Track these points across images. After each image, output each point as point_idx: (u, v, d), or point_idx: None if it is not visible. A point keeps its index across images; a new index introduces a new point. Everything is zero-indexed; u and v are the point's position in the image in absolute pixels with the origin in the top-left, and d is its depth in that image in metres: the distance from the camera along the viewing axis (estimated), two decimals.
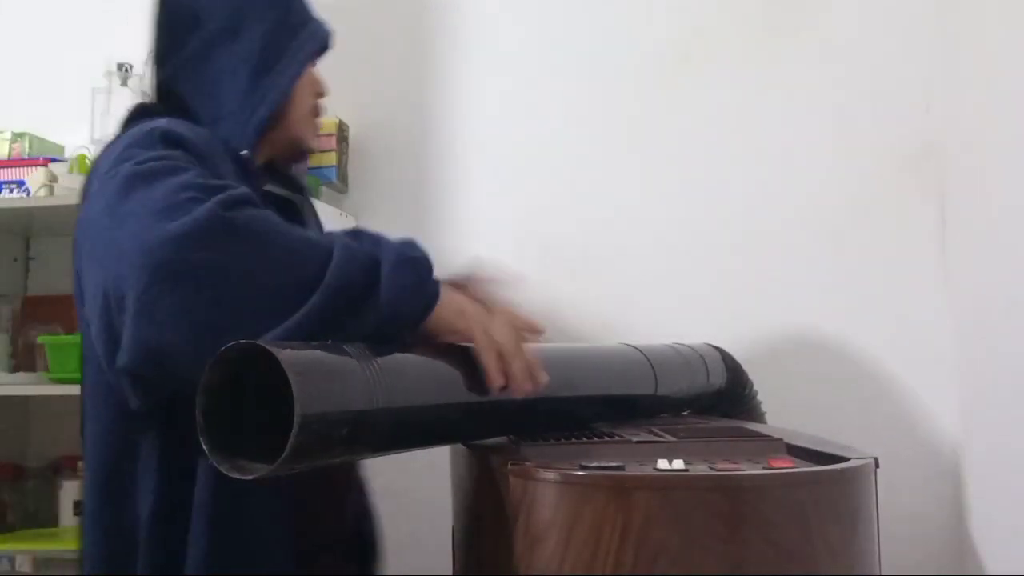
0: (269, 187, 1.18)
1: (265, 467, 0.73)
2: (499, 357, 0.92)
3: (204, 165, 0.95)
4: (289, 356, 0.73)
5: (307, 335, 0.81)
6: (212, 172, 0.94)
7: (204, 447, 0.75)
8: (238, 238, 0.83)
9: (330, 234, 0.93)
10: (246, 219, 0.84)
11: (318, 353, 0.78)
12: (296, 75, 1.13)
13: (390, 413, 0.81)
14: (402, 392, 0.83)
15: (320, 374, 0.76)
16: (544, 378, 0.95)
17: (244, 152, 1.06)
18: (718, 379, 1.44)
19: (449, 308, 0.91)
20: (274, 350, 0.73)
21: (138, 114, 1.12)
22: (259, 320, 0.80)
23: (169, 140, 0.96)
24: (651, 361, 1.28)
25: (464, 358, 0.93)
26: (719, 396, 1.44)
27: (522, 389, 0.93)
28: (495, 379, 0.91)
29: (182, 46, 1.09)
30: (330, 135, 1.87)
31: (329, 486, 1.14)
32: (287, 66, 1.11)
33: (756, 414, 1.52)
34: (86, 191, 1.06)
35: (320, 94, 1.21)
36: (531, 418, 1.01)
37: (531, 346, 0.95)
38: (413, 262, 0.89)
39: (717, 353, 1.49)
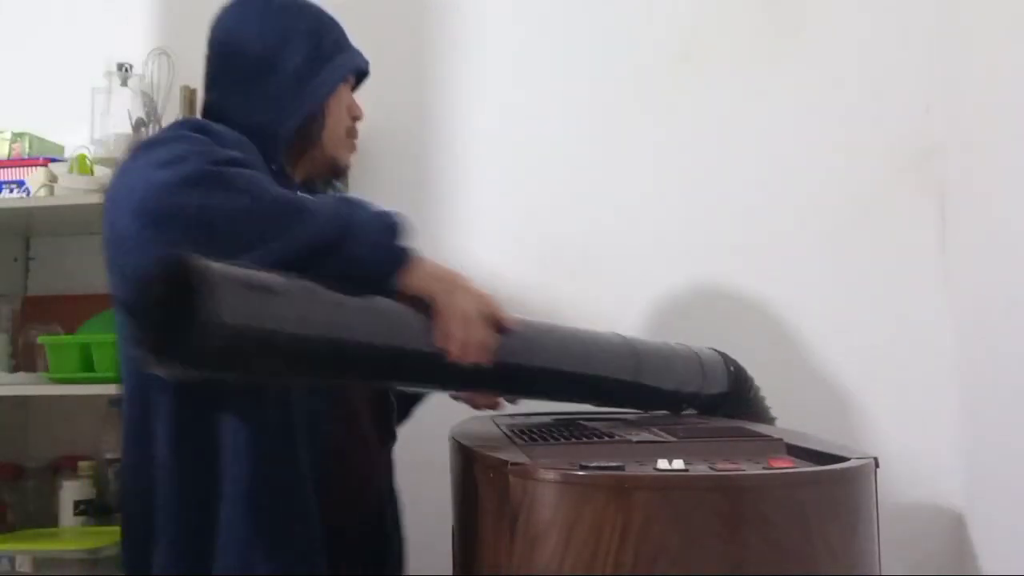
0: None
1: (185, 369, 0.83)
2: (458, 323, 1.00)
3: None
4: (205, 268, 0.81)
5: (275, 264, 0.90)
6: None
7: (143, 345, 0.84)
8: (222, 187, 0.92)
9: (319, 196, 1.03)
10: (232, 174, 0.94)
11: (241, 271, 0.85)
12: (328, 92, 1.22)
13: (304, 339, 0.89)
14: (324, 322, 0.91)
15: (235, 287, 0.84)
16: (487, 358, 1.02)
17: (273, 166, 1.15)
18: (718, 382, 1.43)
19: (422, 271, 1.00)
20: (194, 264, 0.81)
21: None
22: (236, 259, 0.88)
23: (192, 126, 1.06)
24: (636, 350, 1.28)
25: (413, 311, 1.00)
26: (723, 399, 1.44)
27: (465, 357, 1.01)
28: (443, 339, 0.99)
29: (225, 73, 1.20)
30: None
31: (353, 465, 1.20)
32: (321, 84, 1.21)
33: (764, 416, 1.51)
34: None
35: (356, 117, 1.30)
36: (474, 376, 1.05)
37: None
38: (385, 226, 0.99)
39: (719, 357, 1.49)
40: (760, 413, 1.50)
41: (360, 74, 1.33)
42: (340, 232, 0.96)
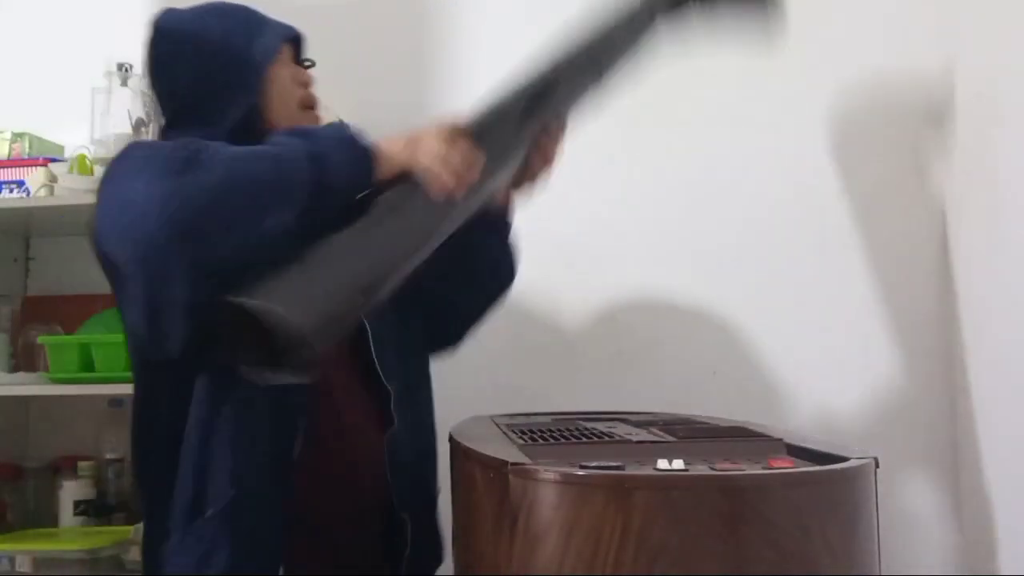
0: None
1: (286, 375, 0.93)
2: (435, 166, 1.09)
3: None
4: (260, 304, 0.90)
5: (286, 231, 1.00)
6: None
7: (241, 368, 0.96)
8: (196, 173, 0.98)
9: (275, 141, 1.08)
10: (198, 159, 0.99)
11: (286, 283, 0.95)
12: (263, 65, 1.21)
13: (368, 288, 1.02)
14: (368, 266, 1.03)
15: (294, 304, 0.92)
16: (476, 166, 1.11)
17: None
18: None
19: (387, 155, 1.10)
20: (247, 302, 0.90)
21: None
22: (246, 229, 0.98)
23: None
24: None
25: (408, 190, 1.09)
26: None
27: (463, 184, 1.10)
28: (437, 188, 1.08)
29: (171, 98, 1.25)
30: None
31: (337, 454, 1.20)
32: (255, 60, 1.21)
33: None
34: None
35: (305, 83, 1.28)
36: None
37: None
38: (341, 140, 1.09)
39: None
40: None
41: (294, 43, 1.29)
42: (316, 176, 1.03)
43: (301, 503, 1.12)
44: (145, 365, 1.16)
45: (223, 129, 1.17)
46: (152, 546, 1.13)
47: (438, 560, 1.30)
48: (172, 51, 1.23)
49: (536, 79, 1.23)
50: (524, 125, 1.19)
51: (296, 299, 0.93)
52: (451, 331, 1.43)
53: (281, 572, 1.09)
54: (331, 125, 1.13)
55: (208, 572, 1.05)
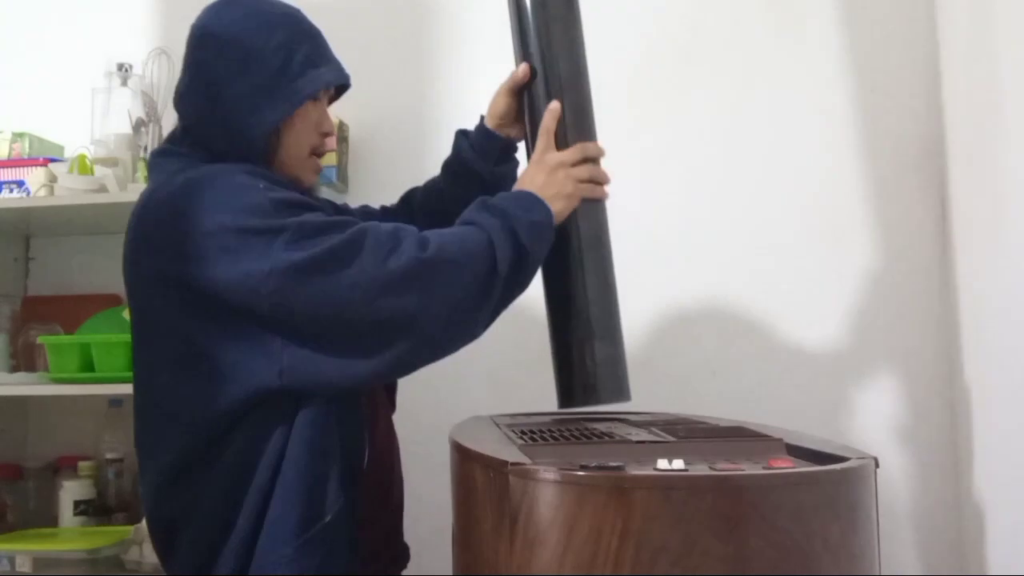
0: None
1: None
2: (591, 184, 1.25)
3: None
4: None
5: (502, 307, 1.16)
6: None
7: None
8: (436, 272, 1.09)
9: (472, 220, 1.15)
10: (436, 253, 1.09)
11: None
12: (289, 111, 1.18)
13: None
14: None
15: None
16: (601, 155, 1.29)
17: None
18: None
19: (558, 211, 1.20)
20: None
21: (163, 154, 1.23)
22: (468, 318, 1.13)
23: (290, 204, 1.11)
24: None
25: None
26: None
27: (604, 188, 1.28)
28: (600, 196, 1.28)
29: (196, 90, 1.19)
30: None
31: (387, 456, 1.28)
32: (278, 104, 1.17)
33: None
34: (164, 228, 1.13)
35: (326, 133, 1.26)
36: None
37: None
38: (534, 226, 1.16)
39: None
40: None
41: (340, 86, 1.29)
42: (519, 251, 1.14)
43: (364, 511, 1.18)
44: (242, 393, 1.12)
45: (239, 144, 1.17)
46: (228, 561, 1.11)
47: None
48: (207, 61, 1.19)
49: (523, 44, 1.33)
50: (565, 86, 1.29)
51: (618, 380, 1.24)
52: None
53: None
54: (515, 199, 1.19)
55: (335, 566, 1.11)
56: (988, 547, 1.51)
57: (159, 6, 2.14)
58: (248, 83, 1.15)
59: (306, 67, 1.18)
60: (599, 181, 1.26)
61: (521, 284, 1.17)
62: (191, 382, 1.11)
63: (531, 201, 1.18)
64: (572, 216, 1.23)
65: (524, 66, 1.33)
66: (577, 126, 1.27)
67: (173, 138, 1.25)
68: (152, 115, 1.92)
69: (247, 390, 1.09)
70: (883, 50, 1.83)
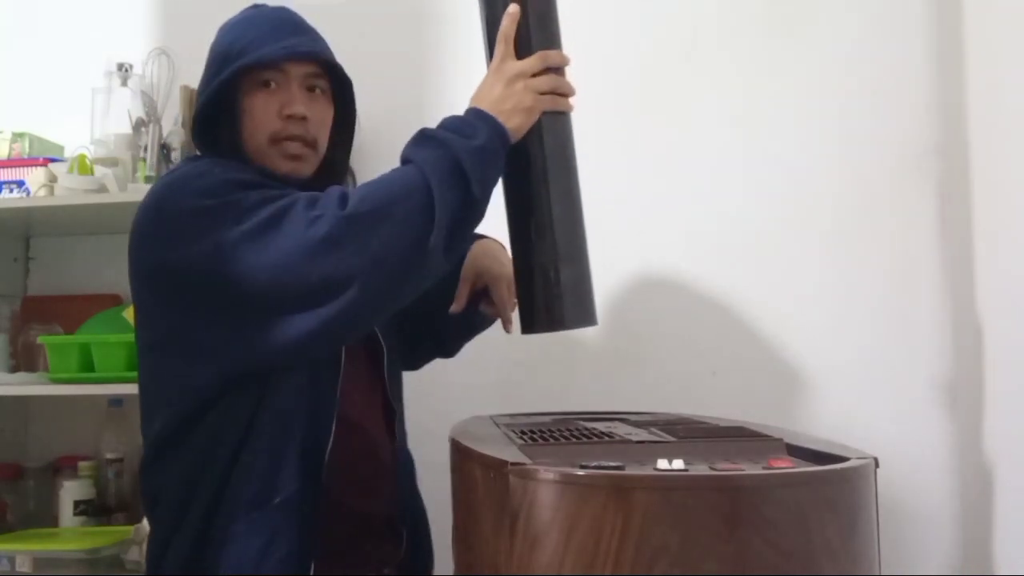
0: None
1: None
2: (552, 99, 1.16)
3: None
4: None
5: (459, 238, 1.10)
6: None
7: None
8: (360, 226, 1.07)
9: (408, 157, 1.12)
10: (356, 207, 1.07)
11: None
12: (215, 92, 1.22)
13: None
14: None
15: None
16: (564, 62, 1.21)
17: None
18: None
19: (514, 127, 1.14)
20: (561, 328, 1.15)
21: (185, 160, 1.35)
22: (412, 262, 1.08)
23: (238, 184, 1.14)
24: None
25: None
26: None
27: (568, 101, 1.20)
28: (566, 104, 1.20)
29: (203, 87, 1.27)
30: None
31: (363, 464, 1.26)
32: (210, 85, 1.23)
33: None
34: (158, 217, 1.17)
35: (289, 116, 1.23)
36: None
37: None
38: (479, 152, 1.10)
39: None
40: None
41: (339, 80, 1.30)
42: (464, 187, 1.09)
43: (329, 504, 1.18)
44: (215, 375, 1.15)
45: (207, 136, 1.25)
46: (187, 534, 1.15)
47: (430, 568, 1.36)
48: (208, 59, 1.27)
49: None
50: None
51: (584, 304, 1.16)
52: (449, 347, 1.50)
53: (312, 571, 1.15)
54: (458, 124, 1.13)
55: (273, 553, 1.12)
56: (988, 547, 1.51)
57: (159, 6, 2.14)
58: (206, 78, 1.24)
59: (248, 50, 1.21)
60: (563, 92, 1.18)
61: (472, 214, 1.11)
62: (170, 364, 1.17)
63: (477, 122, 1.12)
64: (535, 130, 1.15)
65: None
66: (539, 32, 1.17)
67: (195, 155, 1.35)
68: (152, 115, 1.92)
69: (217, 370, 1.13)
70: (883, 50, 1.83)
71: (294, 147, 1.24)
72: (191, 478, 1.15)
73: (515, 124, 1.13)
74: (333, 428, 1.18)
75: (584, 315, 1.16)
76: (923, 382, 1.75)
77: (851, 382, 1.78)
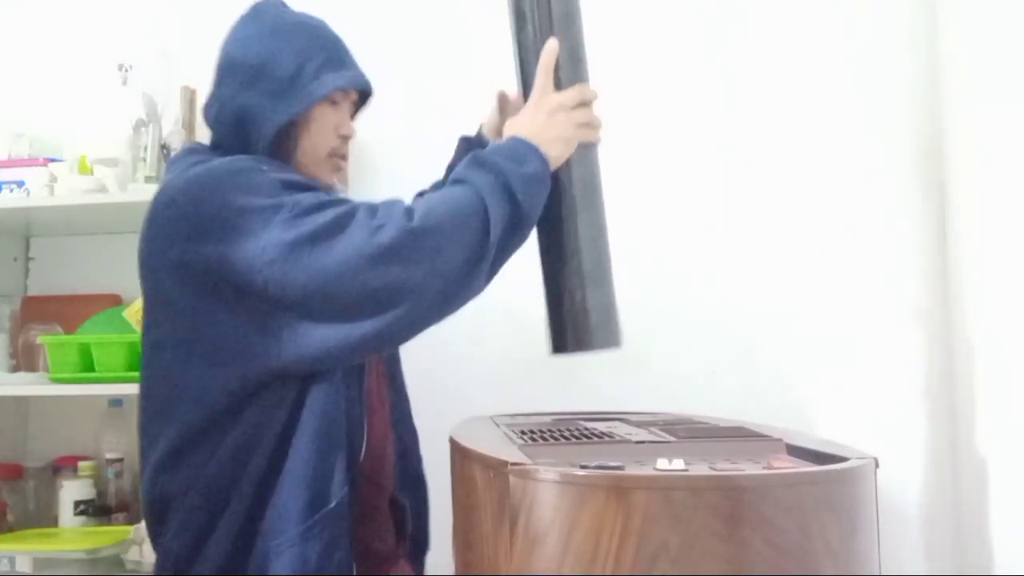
0: None
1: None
2: (588, 128, 1.22)
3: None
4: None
5: (501, 262, 1.14)
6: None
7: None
8: (424, 241, 1.09)
9: (463, 178, 1.14)
10: (423, 221, 1.09)
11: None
12: (305, 107, 1.22)
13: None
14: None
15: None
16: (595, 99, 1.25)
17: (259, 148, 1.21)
18: None
19: (554, 156, 1.18)
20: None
21: (188, 152, 1.28)
22: (464, 281, 1.10)
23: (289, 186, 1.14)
24: None
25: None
26: None
27: (597, 131, 1.25)
28: (597, 136, 1.25)
29: (223, 75, 1.25)
30: None
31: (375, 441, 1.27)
32: (299, 99, 1.22)
33: None
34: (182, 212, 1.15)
35: (345, 136, 1.29)
36: None
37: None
38: (528, 179, 1.14)
39: None
40: None
41: (363, 94, 1.33)
42: (514, 208, 1.13)
43: (358, 498, 1.21)
44: (247, 382, 1.14)
45: (255, 146, 1.22)
46: (218, 548, 1.13)
47: (426, 545, 1.40)
48: (229, 68, 1.25)
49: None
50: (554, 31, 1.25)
51: (610, 327, 1.22)
52: None
53: (354, 570, 1.19)
54: (508, 151, 1.16)
55: (332, 558, 1.13)
56: (988, 547, 1.52)
57: (159, 6, 2.14)
58: (258, 92, 1.21)
59: (320, 71, 1.23)
60: (595, 125, 1.24)
61: (519, 239, 1.16)
62: (195, 362, 1.13)
63: (525, 151, 1.16)
64: (567, 160, 1.20)
65: (510, 93, 1.34)
66: (573, 68, 1.23)
67: (201, 146, 1.31)
68: (152, 115, 1.92)
69: (248, 371, 1.12)
70: (883, 50, 1.83)
71: (343, 163, 1.31)
72: (225, 481, 1.13)
73: (555, 153, 1.18)
74: (366, 427, 1.20)
75: (610, 337, 1.22)
76: (923, 382, 1.76)
77: (851, 382, 1.78)
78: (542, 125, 1.19)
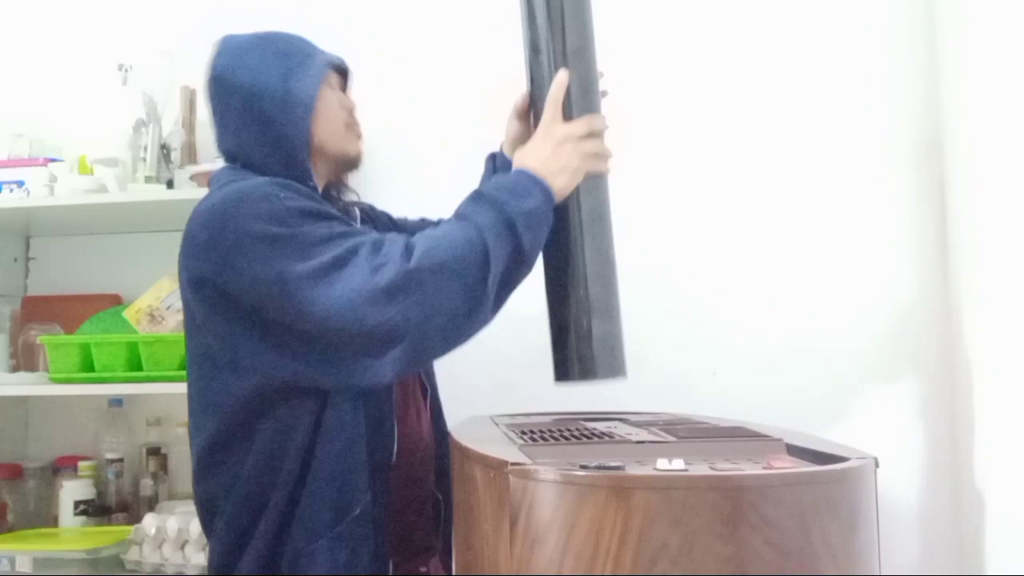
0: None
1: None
2: (596, 158, 1.22)
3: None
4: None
5: (505, 296, 1.16)
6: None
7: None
8: (422, 281, 1.10)
9: (464, 215, 1.15)
10: (420, 262, 1.10)
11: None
12: (312, 94, 1.27)
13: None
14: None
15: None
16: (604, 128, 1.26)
17: (310, 183, 1.27)
18: None
19: (560, 188, 1.18)
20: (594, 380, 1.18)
21: (225, 170, 1.32)
22: (464, 319, 1.12)
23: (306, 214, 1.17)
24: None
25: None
26: None
27: (607, 160, 1.25)
28: (606, 165, 1.24)
29: (228, 115, 1.29)
30: None
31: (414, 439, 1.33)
32: (303, 89, 1.26)
33: None
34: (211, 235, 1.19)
35: (349, 108, 1.35)
36: None
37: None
38: (531, 214, 1.15)
39: None
40: None
41: (340, 71, 1.37)
42: (515, 247, 1.13)
43: (392, 498, 1.26)
44: (269, 391, 1.19)
45: (279, 162, 1.26)
46: (255, 552, 1.19)
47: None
48: (224, 104, 1.29)
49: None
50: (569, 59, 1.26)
51: (615, 357, 1.21)
52: None
53: (391, 569, 1.25)
54: (511, 185, 1.18)
55: (358, 562, 1.19)
56: (988, 547, 1.52)
57: (159, 6, 2.15)
58: (273, 85, 1.25)
59: (305, 62, 1.29)
60: (604, 155, 1.25)
61: (521, 273, 1.17)
62: (217, 374, 1.20)
63: (528, 185, 1.17)
64: (575, 191, 1.21)
65: (524, 93, 1.34)
66: (583, 99, 1.24)
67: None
68: (152, 115, 1.92)
69: (267, 383, 1.17)
70: (883, 50, 1.83)
71: (359, 129, 1.37)
72: (259, 485, 1.19)
73: (561, 184, 1.18)
74: (396, 431, 1.24)
75: (614, 367, 1.21)
76: (923, 382, 1.76)
77: (851, 382, 1.78)
78: (548, 156, 1.19)
